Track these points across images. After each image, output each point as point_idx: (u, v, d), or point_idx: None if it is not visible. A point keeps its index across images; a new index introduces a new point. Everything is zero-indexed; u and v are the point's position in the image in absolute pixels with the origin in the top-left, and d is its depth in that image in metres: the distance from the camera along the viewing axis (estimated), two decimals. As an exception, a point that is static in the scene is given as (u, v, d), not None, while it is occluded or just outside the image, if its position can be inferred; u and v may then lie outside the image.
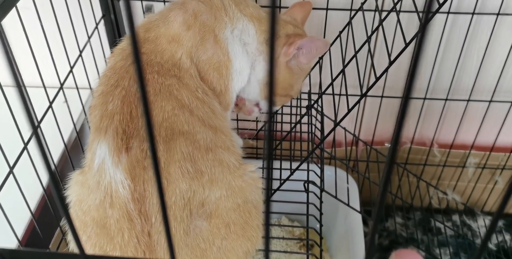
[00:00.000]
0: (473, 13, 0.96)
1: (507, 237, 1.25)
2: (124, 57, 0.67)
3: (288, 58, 0.76)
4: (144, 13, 0.97)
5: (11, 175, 0.65)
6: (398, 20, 0.69)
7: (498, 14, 0.96)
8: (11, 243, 0.69)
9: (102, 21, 0.94)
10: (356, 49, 0.77)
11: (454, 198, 1.29)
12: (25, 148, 0.67)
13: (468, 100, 1.09)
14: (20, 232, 0.77)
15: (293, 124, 0.95)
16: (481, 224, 1.28)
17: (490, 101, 1.09)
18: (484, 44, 1.02)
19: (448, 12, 0.96)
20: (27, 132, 0.62)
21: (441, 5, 0.63)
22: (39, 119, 0.72)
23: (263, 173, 0.91)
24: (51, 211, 0.75)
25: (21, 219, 0.78)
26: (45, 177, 0.73)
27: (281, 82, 0.79)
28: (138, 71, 0.21)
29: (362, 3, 0.84)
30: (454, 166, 1.23)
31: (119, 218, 0.58)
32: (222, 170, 0.64)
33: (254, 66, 0.77)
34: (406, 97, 0.22)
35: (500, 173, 1.23)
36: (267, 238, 0.26)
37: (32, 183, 0.70)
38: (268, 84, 0.21)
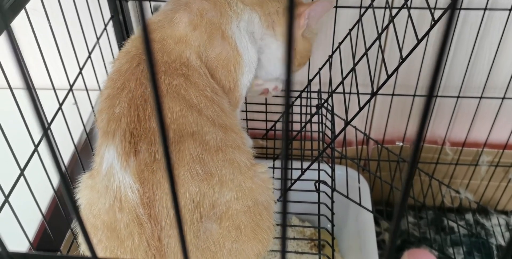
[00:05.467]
0: (485, 9, 0.95)
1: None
2: (129, 60, 0.67)
3: (302, 30, 0.78)
4: (152, 13, 0.96)
5: (22, 177, 0.65)
6: (410, 17, 0.68)
7: (510, 9, 0.94)
8: (23, 246, 0.69)
9: (111, 22, 0.94)
10: (367, 47, 0.76)
11: (467, 197, 1.27)
12: (35, 150, 0.67)
13: (481, 97, 1.07)
14: (31, 234, 0.77)
15: (303, 124, 0.94)
16: (494, 222, 1.26)
17: (503, 98, 1.07)
18: (496, 40, 1.00)
19: (460, 8, 0.95)
20: (37, 134, 0.62)
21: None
22: (49, 121, 0.72)
23: (273, 173, 0.90)
24: (62, 213, 0.75)
25: (32, 221, 0.78)
26: (56, 179, 0.73)
27: (302, 52, 0.81)
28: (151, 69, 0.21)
29: (372, 0, 0.83)
30: (466, 164, 1.21)
31: (128, 222, 0.58)
32: (233, 170, 0.63)
33: (268, 48, 0.77)
34: (429, 96, 0.21)
35: (514, 171, 1.21)
36: (284, 238, 0.25)
37: (43, 185, 0.70)
38: (285, 69, 0.21)
